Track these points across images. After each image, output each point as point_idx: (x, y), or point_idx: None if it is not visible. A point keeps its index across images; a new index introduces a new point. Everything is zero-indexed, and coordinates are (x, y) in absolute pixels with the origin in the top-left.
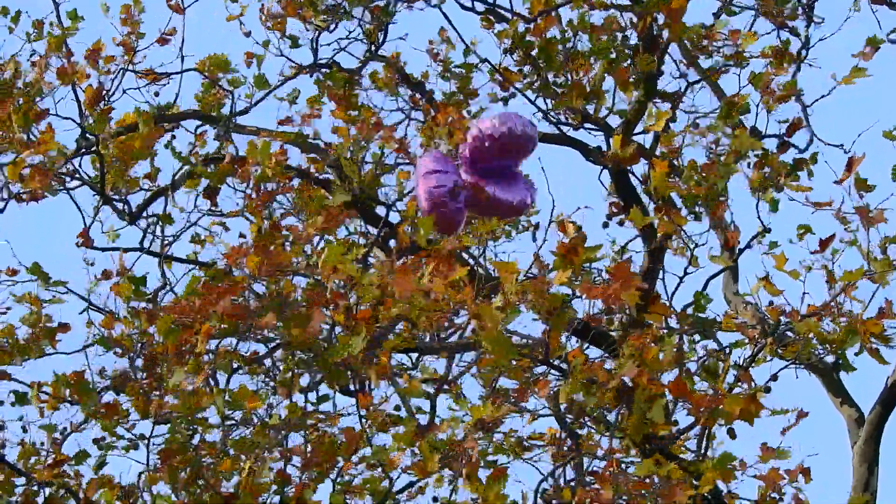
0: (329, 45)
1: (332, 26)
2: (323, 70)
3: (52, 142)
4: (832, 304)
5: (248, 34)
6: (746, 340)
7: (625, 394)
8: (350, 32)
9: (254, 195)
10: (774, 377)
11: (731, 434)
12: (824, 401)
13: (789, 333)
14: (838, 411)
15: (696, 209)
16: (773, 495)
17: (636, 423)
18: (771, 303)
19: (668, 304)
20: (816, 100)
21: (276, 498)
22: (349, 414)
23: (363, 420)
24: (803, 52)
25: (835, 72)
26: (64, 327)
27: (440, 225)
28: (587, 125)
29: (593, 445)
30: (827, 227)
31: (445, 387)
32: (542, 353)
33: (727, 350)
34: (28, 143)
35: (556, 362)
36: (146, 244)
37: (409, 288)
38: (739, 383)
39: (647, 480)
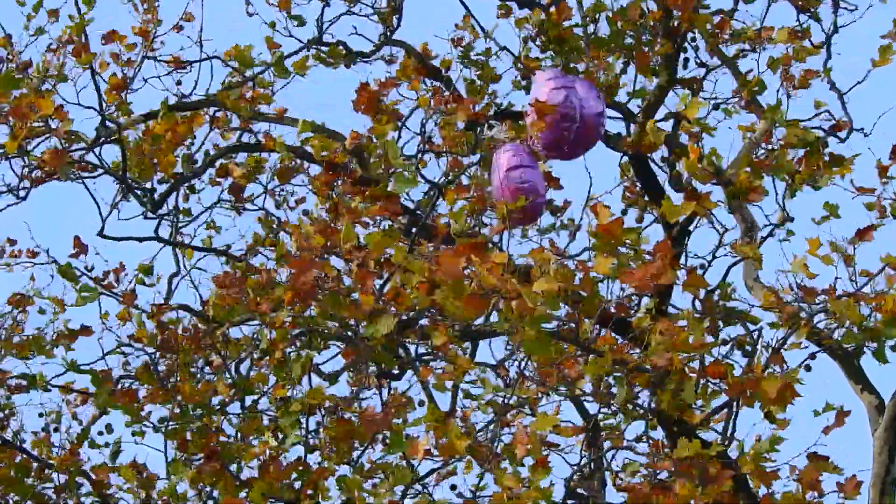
0: (335, 21)
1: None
2: (324, 46)
3: (66, 120)
4: (867, 287)
5: (251, 14)
6: (781, 322)
7: (655, 378)
8: (351, 7)
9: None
10: (813, 356)
11: (770, 418)
12: (844, 386)
13: (822, 317)
14: (858, 398)
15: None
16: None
17: (669, 401)
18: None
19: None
20: (852, 87)
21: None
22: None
23: (385, 405)
24: (830, 38)
25: (865, 55)
26: (86, 330)
27: (524, 216)
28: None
29: (612, 434)
30: (850, 212)
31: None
32: (572, 333)
33: (758, 332)
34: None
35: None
36: (162, 233)
37: (456, 273)
38: (772, 365)
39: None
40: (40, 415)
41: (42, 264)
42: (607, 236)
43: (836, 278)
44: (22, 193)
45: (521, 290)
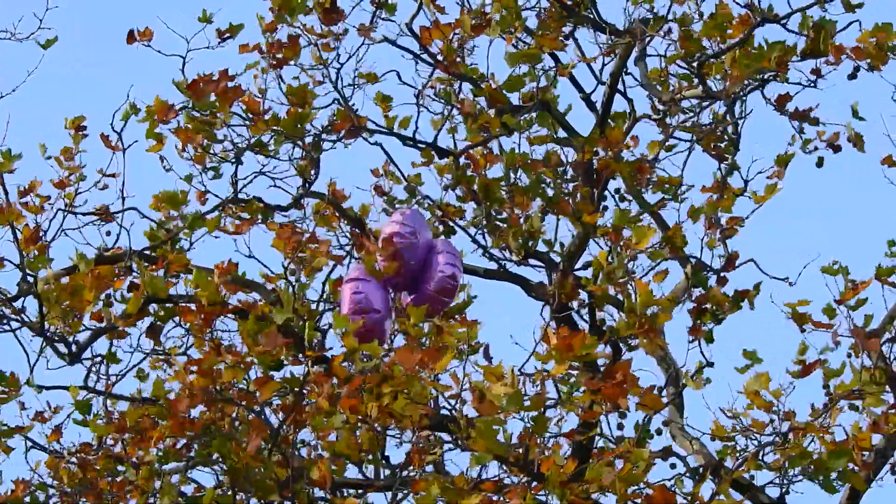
0: (251, 180)
1: (240, 159)
2: (241, 203)
3: None
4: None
5: (168, 170)
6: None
7: None
8: (264, 166)
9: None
10: None
11: None
12: None
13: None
14: None
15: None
16: None
17: None
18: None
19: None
20: (736, 217)
21: None
22: None
23: None
24: (735, 178)
25: (755, 192)
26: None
27: (364, 333)
28: (529, 261)
29: None
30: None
31: None
32: (521, 457)
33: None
34: None
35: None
36: (90, 383)
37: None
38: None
39: None
40: None
41: None
42: (565, 349)
43: (786, 411)
44: None
45: (485, 390)
